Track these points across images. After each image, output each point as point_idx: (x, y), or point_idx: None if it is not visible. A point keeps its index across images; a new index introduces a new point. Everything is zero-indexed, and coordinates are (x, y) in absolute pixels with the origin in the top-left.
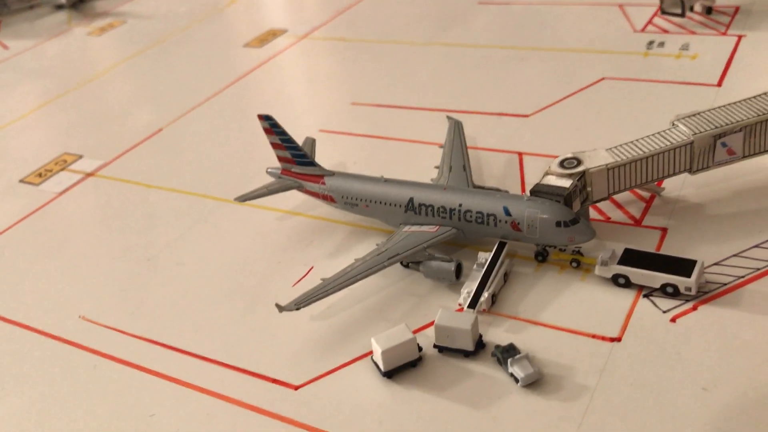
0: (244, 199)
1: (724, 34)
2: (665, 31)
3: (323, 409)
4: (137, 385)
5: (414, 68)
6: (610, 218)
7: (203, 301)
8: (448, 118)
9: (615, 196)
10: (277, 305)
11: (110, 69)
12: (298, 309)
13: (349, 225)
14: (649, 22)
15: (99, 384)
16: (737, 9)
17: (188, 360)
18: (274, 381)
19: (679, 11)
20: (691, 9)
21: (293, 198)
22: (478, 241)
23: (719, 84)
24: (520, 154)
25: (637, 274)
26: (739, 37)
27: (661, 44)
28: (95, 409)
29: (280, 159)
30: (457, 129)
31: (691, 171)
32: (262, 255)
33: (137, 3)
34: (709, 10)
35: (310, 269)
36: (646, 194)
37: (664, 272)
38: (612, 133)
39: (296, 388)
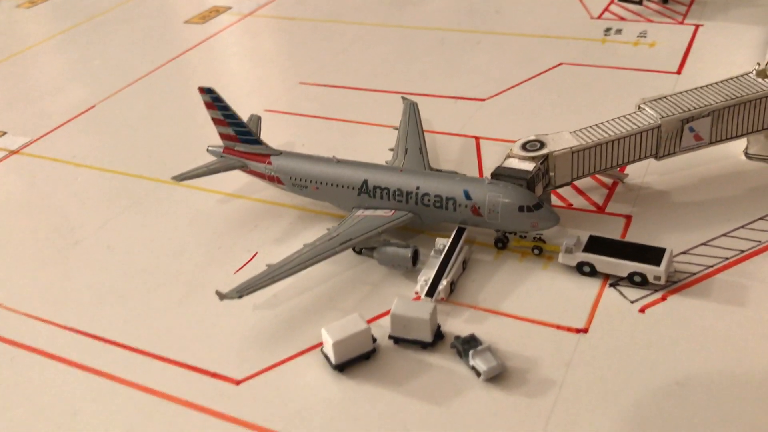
0: (182, 178)
1: (681, 23)
2: (622, 19)
3: (268, 406)
4: (60, 379)
5: (366, 49)
6: (572, 205)
7: (135, 289)
8: (404, 99)
9: (577, 183)
10: (218, 293)
11: (40, 43)
12: (240, 297)
13: (296, 209)
14: (606, 9)
15: (17, 378)
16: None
17: (118, 352)
18: (214, 375)
19: None
20: None
21: (236, 179)
22: (435, 227)
23: (679, 71)
24: (477, 139)
25: (603, 263)
26: (697, 27)
27: (619, 31)
28: (13, 406)
29: (223, 136)
30: (412, 110)
31: (657, 156)
32: (200, 240)
33: None
34: (665, 0)
35: (254, 255)
36: (608, 181)
37: (632, 260)
38: (571, 118)
39: (238, 382)
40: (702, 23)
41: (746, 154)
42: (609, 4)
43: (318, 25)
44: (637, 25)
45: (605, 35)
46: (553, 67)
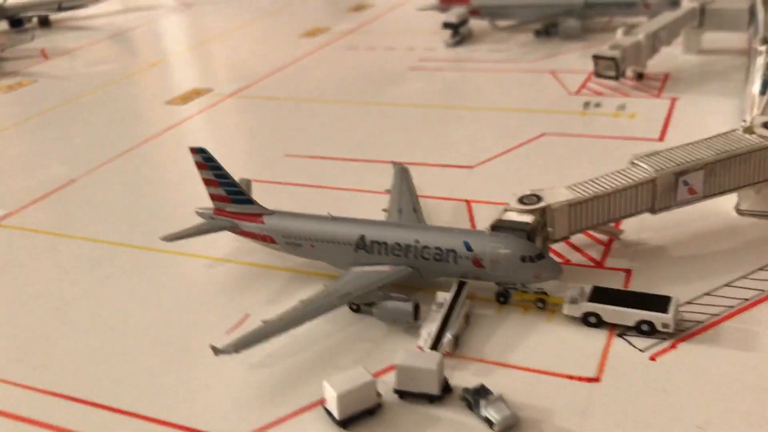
0: (171, 238)
1: (658, 96)
2: (600, 94)
3: None
4: None
5: (350, 124)
6: (570, 261)
7: (122, 352)
8: (393, 164)
9: (573, 240)
10: (213, 347)
11: (18, 124)
12: (237, 352)
13: (289, 271)
14: (583, 86)
15: None
16: (667, 76)
17: (107, 415)
18: None
19: (613, 74)
20: (623, 74)
21: (224, 244)
22: (433, 284)
23: (661, 138)
24: (468, 202)
25: (609, 312)
26: (673, 99)
27: (598, 105)
28: None
29: (213, 197)
30: (403, 174)
31: (652, 210)
32: (189, 304)
33: (50, 65)
34: (640, 76)
35: (246, 317)
36: (604, 238)
37: (639, 308)
38: (559, 182)
39: None
40: (678, 96)
41: (738, 210)
42: (586, 81)
43: (301, 104)
44: (615, 99)
45: (585, 109)
46: (536, 138)
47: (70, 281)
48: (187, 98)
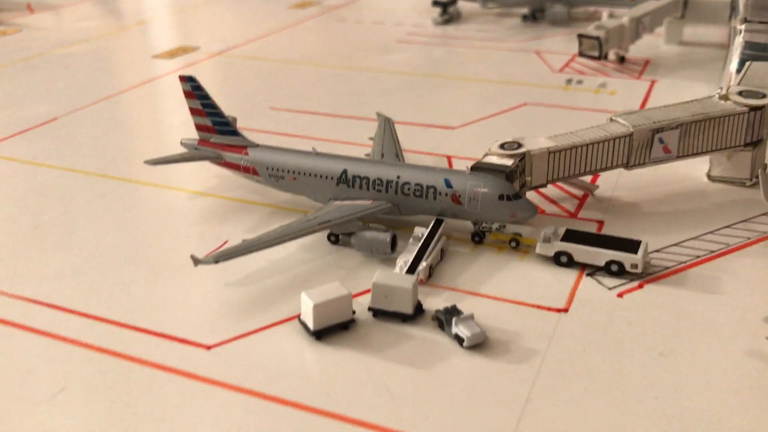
0: (154, 162)
1: (638, 78)
2: (582, 73)
3: (242, 368)
4: (14, 343)
5: (335, 85)
6: (545, 211)
7: (99, 267)
8: (378, 114)
9: (548, 193)
10: (193, 257)
11: (3, 66)
12: (217, 263)
13: (268, 206)
14: (567, 65)
15: None
16: (647, 61)
17: (78, 320)
18: (182, 341)
19: (596, 54)
20: (606, 56)
21: (206, 179)
22: (410, 221)
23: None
24: (449, 157)
25: (581, 252)
26: (653, 81)
27: (580, 82)
28: None
29: (199, 128)
30: (387, 124)
31: (627, 166)
32: (168, 230)
33: (35, 18)
34: (622, 59)
35: (224, 243)
36: (579, 192)
37: (610, 249)
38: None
39: (209, 347)
40: (657, 79)
41: (709, 176)
42: (569, 61)
43: (288, 65)
44: (596, 78)
45: (567, 84)
46: (518, 106)
47: (49, 206)
48: (173, 54)
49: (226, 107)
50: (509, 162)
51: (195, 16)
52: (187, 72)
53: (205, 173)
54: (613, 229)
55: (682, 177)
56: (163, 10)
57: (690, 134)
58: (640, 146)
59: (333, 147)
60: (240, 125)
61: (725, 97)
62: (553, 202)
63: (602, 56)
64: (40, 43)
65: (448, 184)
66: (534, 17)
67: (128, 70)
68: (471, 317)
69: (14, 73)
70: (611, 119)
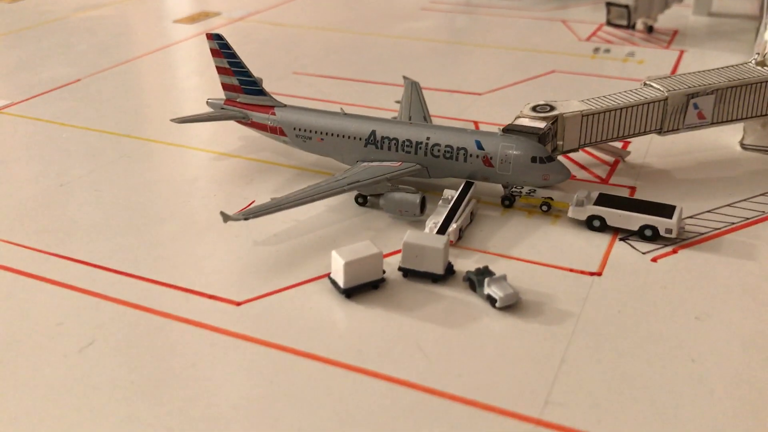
0: (181, 121)
1: (667, 48)
2: (609, 42)
3: (272, 324)
4: (45, 297)
5: (359, 51)
6: (575, 177)
7: (125, 224)
8: (405, 78)
9: (579, 160)
10: (223, 214)
11: (21, 30)
12: (246, 219)
13: (295, 168)
14: (594, 33)
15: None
16: (676, 31)
17: (107, 275)
18: (212, 297)
19: (624, 23)
20: (634, 26)
21: (231, 141)
22: (439, 184)
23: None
24: (476, 123)
25: (614, 216)
26: (682, 51)
27: (607, 50)
28: None
29: (225, 87)
30: (414, 88)
31: (661, 131)
32: (194, 190)
33: None
34: (650, 29)
35: (252, 202)
36: (610, 159)
37: (644, 214)
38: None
39: (239, 304)
40: (685, 49)
41: (742, 145)
42: (597, 30)
43: (310, 31)
44: (624, 47)
45: (594, 53)
46: (546, 74)
47: (74, 164)
48: (195, 19)
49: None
50: (542, 125)
51: None
52: None
53: (230, 135)
54: (646, 195)
55: (714, 145)
56: None
57: (725, 100)
58: (675, 111)
59: (358, 111)
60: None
61: (762, 63)
62: (583, 167)
63: (630, 25)
64: (60, 7)
65: (480, 146)
66: None
67: (149, 34)
68: (504, 278)
69: (35, 36)
70: (645, 83)
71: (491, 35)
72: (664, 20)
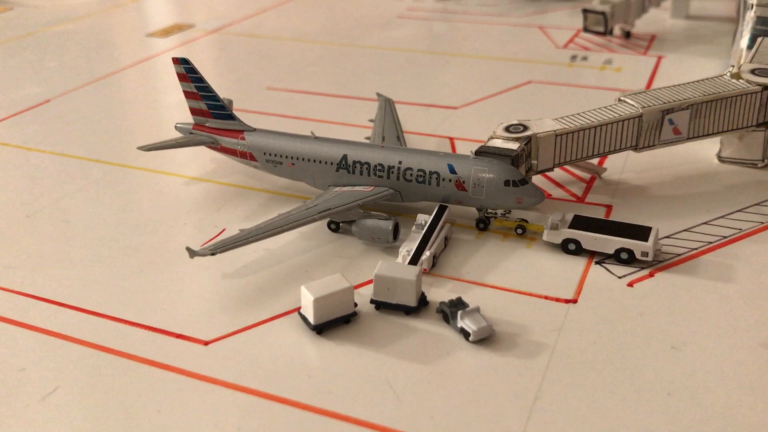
0: (148, 148)
1: (645, 54)
2: (587, 49)
3: (241, 366)
4: (7, 339)
5: (334, 64)
6: (551, 195)
7: (93, 258)
8: (379, 95)
9: (555, 177)
10: (189, 249)
11: None
12: (213, 254)
13: (266, 192)
14: (571, 41)
15: None
16: (653, 36)
17: (73, 314)
18: (180, 336)
19: (601, 29)
20: (611, 32)
21: (202, 164)
22: (413, 208)
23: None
24: (452, 139)
25: (589, 239)
26: (659, 57)
27: (585, 58)
28: None
29: (194, 112)
30: (388, 105)
31: (636, 148)
32: (164, 218)
33: None
34: (628, 34)
35: (222, 231)
36: (586, 176)
37: (619, 237)
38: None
39: (206, 343)
40: (664, 55)
41: (719, 158)
42: (574, 37)
43: (285, 42)
44: (602, 54)
45: (572, 61)
46: (522, 84)
47: (41, 192)
48: (168, 32)
49: (223, 87)
50: (515, 146)
51: None
52: (182, 51)
53: (201, 157)
54: (622, 213)
55: (692, 158)
56: None
57: (701, 115)
58: (650, 128)
59: (332, 128)
60: (236, 106)
61: (737, 76)
62: (559, 185)
63: (607, 32)
64: (32, 21)
65: (452, 170)
66: None
67: (122, 49)
68: (477, 310)
69: (7, 53)
70: (619, 100)
71: (468, 43)
72: (642, 24)
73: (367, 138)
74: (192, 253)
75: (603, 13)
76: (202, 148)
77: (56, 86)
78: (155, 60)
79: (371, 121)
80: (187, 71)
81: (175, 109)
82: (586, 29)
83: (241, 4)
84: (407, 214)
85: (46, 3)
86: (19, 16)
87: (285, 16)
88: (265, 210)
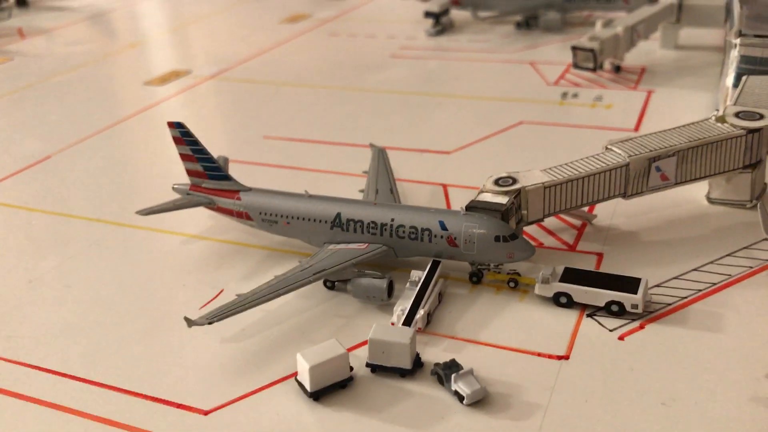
0: (146, 212)
1: (635, 88)
2: (578, 85)
3: None
4: (8, 413)
5: (329, 108)
6: (543, 244)
7: (93, 325)
8: (372, 145)
9: (546, 224)
10: (186, 319)
11: None
12: (210, 323)
13: (264, 249)
14: (562, 76)
15: None
16: (644, 69)
17: (75, 385)
18: (180, 406)
19: (591, 65)
20: (601, 66)
21: (199, 222)
22: (407, 263)
23: (636, 129)
24: (445, 186)
25: (580, 292)
26: (649, 92)
27: (575, 95)
28: None
29: (190, 173)
30: (381, 156)
31: (625, 195)
32: (163, 278)
33: (27, 44)
34: (617, 68)
35: (220, 292)
36: (577, 222)
37: (609, 289)
38: (534, 168)
39: (206, 413)
40: (654, 89)
41: (708, 199)
42: (564, 73)
43: (280, 88)
44: (592, 90)
45: (563, 99)
46: (514, 125)
47: (43, 256)
48: (165, 79)
49: (220, 137)
50: (504, 200)
51: (187, 34)
52: (180, 100)
53: (199, 215)
54: (613, 261)
55: (681, 200)
56: (155, 30)
57: (687, 160)
58: (637, 175)
59: (328, 178)
60: (233, 158)
61: (722, 119)
62: (551, 233)
63: (597, 67)
64: (31, 72)
65: (443, 227)
66: (528, 24)
67: (121, 98)
68: (470, 372)
69: (6, 106)
70: (606, 148)
71: (460, 83)
72: (632, 56)
73: (361, 190)
74: (190, 323)
75: (592, 50)
76: (200, 208)
77: (57, 141)
78: (154, 110)
79: (365, 172)
80: (182, 134)
81: (172, 161)
82: (576, 65)
83: (237, 46)
84: (401, 269)
85: (45, 51)
86: (19, 65)
87: (280, 58)
88: (262, 267)
